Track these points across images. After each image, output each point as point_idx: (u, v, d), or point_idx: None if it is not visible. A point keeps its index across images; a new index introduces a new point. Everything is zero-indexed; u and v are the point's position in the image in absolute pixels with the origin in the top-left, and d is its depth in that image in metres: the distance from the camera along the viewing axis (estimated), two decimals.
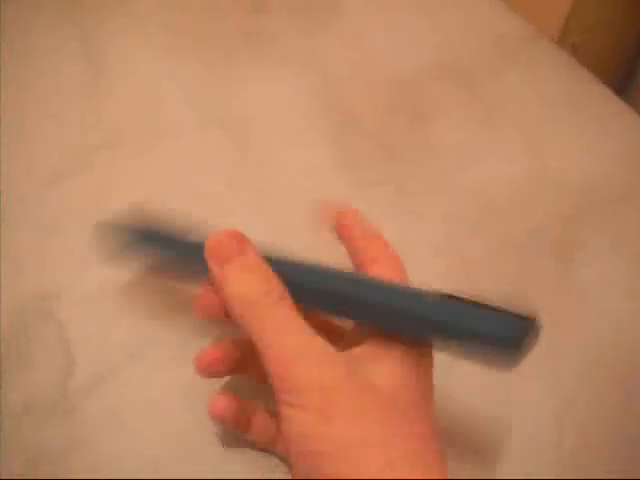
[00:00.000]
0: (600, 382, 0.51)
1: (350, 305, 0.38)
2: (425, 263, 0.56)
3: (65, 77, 0.63)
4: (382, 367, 0.37)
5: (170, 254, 0.43)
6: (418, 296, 0.37)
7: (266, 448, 0.44)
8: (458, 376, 0.47)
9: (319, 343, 0.36)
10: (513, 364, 0.36)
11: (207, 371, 0.42)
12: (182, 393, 0.47)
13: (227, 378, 0.46)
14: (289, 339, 0.36)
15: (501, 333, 0.35)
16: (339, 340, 0.40)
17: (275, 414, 0.42)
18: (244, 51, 0.68)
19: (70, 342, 0.49)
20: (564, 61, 0.73)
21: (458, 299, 0.37)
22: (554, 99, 0.69)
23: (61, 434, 0.44)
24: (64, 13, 0.67)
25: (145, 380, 0.48)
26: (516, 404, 0.49)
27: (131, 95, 0.63)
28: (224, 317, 0.40)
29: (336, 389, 0.35)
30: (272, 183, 0.59)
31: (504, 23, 0.75)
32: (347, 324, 0.44)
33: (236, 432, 0.43)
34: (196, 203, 0.56)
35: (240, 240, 0.38)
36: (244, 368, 0.43)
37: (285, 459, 0.44)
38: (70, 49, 0.65)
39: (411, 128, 0.64)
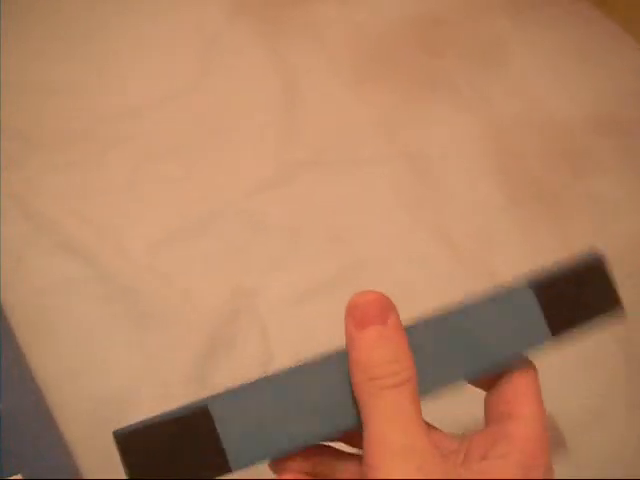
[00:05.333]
0: None
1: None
2: None
3: (262, 96, 0.69)
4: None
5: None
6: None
7: None
8: None
9: (421, 445, 0.33)
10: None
11: None
12: None
13: None
14: (390, 432, 0.33)
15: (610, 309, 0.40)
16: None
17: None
18: (421, 91, 0.73)
19: (269, 335, 0.55)
20: None
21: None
22: None
23: None
24: (259, 37, 0.72)
25: None
26: None
27: (324, 117, 0.69)
28: None
29: None
30: (445, 217, 0.64)
31: None
32: None
33: None
34: (379, 231, 0.62)
35: (385, 307, 0.35)
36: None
37: None
38: (265, 72, 0.71)
39: (572, 175, 0.68)
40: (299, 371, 0.36)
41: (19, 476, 0.44)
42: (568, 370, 0.56)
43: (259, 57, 0.72)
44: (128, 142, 0.64)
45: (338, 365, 0.36)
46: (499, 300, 0.39)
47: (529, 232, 0.63)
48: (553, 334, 0.38)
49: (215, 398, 0.35)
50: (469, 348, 0.37)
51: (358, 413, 0.35)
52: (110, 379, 0.51)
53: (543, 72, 0.77)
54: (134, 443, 0.34)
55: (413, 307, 0.57)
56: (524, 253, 0.62)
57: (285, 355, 0.54)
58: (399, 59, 0.75)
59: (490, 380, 0.39)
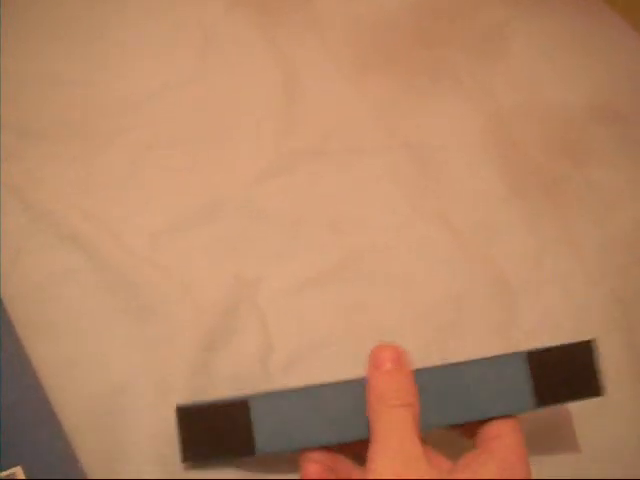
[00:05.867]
0: None
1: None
2: (581, 293, 0.60)
3: (261, 87, 0.69)
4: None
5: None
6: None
7: None
8: None
9: (415, 453, 0.41)
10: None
11: None
12: None
13: None
14: (390, 440, 0.42)
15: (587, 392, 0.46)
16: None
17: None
18: (423, 81, 0.73)
19: (269, 326, 0.54)
20: None
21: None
22: None
23: None
24: (258, 28, 0.72)
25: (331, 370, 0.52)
26: None
27: (324, 108, 0.69)
28: None
29: None
30: (447, 207, 0.64)
31: None
32: None
33: None
34: (380, 222, 0.62)
35: (399, 355, 0.45)
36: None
37: None
38: (264, 63, 0.71)
39: (572, 165, 0.68)
40: (325, 388, 0.46)
41: (18, 468, 0.44)
42: None
43: (258, 49, 0.71)
44: (128, 133, 0.64)
45: (356, 389, 0.45)
46: (497, 364, 0.46)
47: (531, 222, 0.63)
48: (537, 405, 0.45)
49: (255, 396, 0.46)
50: (461, 400, 0.45)
51: (367, 429, 0.43)
52: (109, 371, 0.50)
53: (543, 62, 0.76)
54: (187, 417, 0.46)
55: (414, 297, 0.58)
56: (526, 243, 0.62)
57: (285, 346, 0.54)
58: (399, 50, 0.75)
59: (473, 428, 0.46)
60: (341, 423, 0.45)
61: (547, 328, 0.57)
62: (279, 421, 0.45)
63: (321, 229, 0.60)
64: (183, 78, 0.68)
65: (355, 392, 0.45)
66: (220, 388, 0.50)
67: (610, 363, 0.55)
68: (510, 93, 0.73)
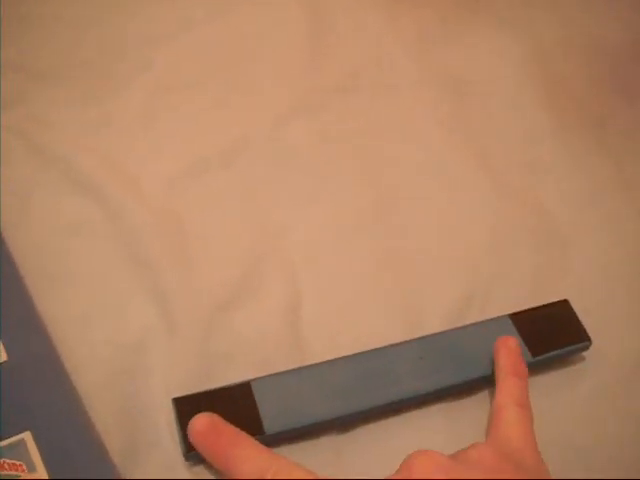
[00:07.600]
0: None
1: None
2: (637, 237, 0.56)
3: (286, 23, 0.65)
4: None
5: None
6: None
7: None
8: None
9: None
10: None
11: None
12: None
13: None
14: None
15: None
16: None
17: None
18: (459, 13, 0.69)
19: (297, 278, 0.50)
20: None
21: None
22: None
23: (290, 363, 0.46)
24: None
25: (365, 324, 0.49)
26: None
27: (355, 44, 0.65)
28: None
29: None
30: (488, 145, 0.60)
31: None
32: None
33: None
34: (417, 161, 0.58)
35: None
36: None
37: None
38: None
39: (620, 100, 0.64)
40: (325, 364, 0.46)
41: (27, 433, 0.41)
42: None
43: None
44: (144, 75, 0.60)
45: (355, 362, 0.46)
46: (485, 327, 0.48)
47: (578, 161, 0.59)
48: (534, 356, 0.47)
49: (258, 378, 0.44)
50: (463, 360, 0.47)
51: (369, 399, 0.45)
52: (124, 328, 0.46)
53: None
54: (186, 407, 0.43)
55: (452, 245, 0.54)
56: (574, 184, 0.58)
57: (315, 300, 0.50)
58: None
59: None
60: (344, 396, 0.45)
61: (599, 275, 0.53)
62: (283, 399, 0.44)
63: (352, 172, 0.56)
64: (203, 16, 0.65)
65: (355, 365, 0.46)
66: (242, 348, 0.47)
67: None
68: (552, 27, 0.69)
